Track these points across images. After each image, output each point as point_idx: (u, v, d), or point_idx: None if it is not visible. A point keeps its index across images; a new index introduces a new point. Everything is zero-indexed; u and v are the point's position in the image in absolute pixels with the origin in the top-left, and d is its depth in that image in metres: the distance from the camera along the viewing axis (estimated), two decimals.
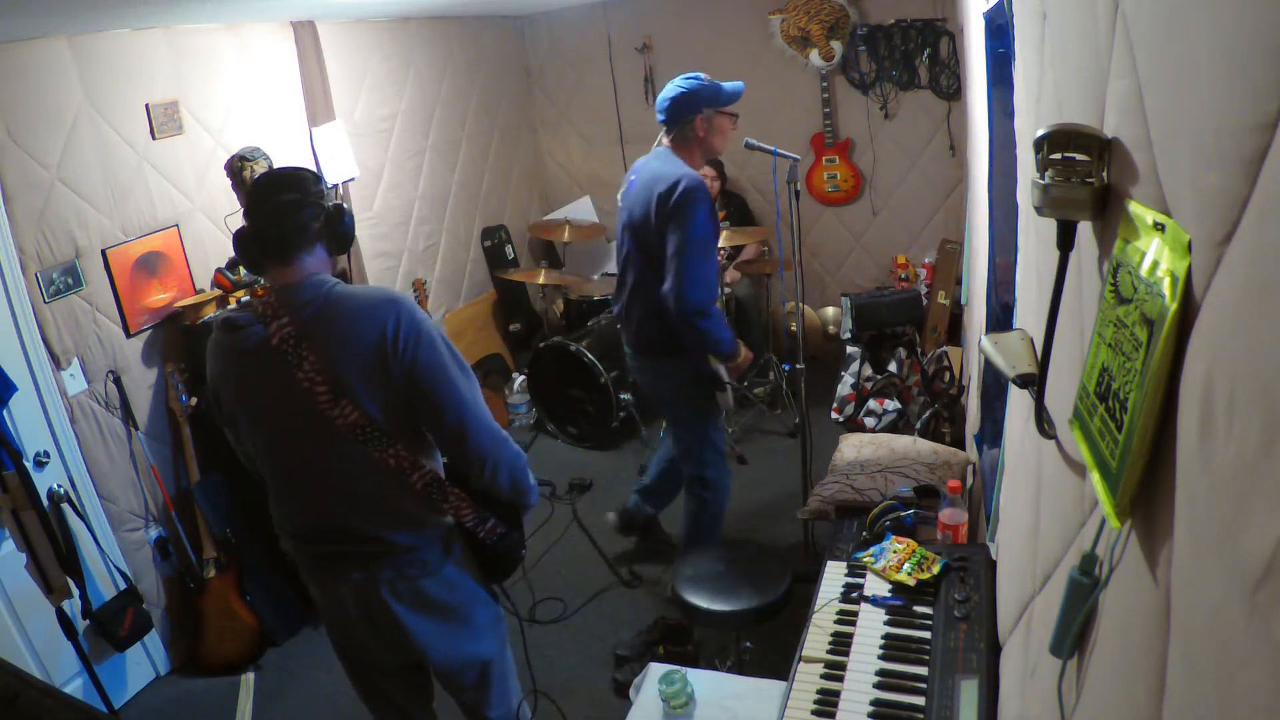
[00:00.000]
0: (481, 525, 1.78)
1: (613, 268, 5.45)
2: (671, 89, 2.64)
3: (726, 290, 4.19)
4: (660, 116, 2.68)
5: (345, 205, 1.72)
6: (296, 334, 1.59)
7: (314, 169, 1.75)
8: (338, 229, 1.69)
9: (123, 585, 2.89)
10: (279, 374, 1.60)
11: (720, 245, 4.07)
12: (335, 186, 4.08)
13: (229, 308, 1.71)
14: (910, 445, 2.85)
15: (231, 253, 3.44)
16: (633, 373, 2.95)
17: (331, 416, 1.60)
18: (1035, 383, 1.09)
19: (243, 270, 3.36)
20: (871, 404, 4.12)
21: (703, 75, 2.65)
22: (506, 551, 1.86)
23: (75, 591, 2.43)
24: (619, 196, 2.85)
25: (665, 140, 2.72)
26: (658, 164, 2.66)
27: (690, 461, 2.95)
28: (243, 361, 1.65)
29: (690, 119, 2.63)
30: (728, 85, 2.66)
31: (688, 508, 3.02)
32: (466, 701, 1.97)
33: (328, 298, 1.62)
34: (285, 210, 1.62)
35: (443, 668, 1.87)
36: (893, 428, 3.96)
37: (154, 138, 3.17)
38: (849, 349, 4.43)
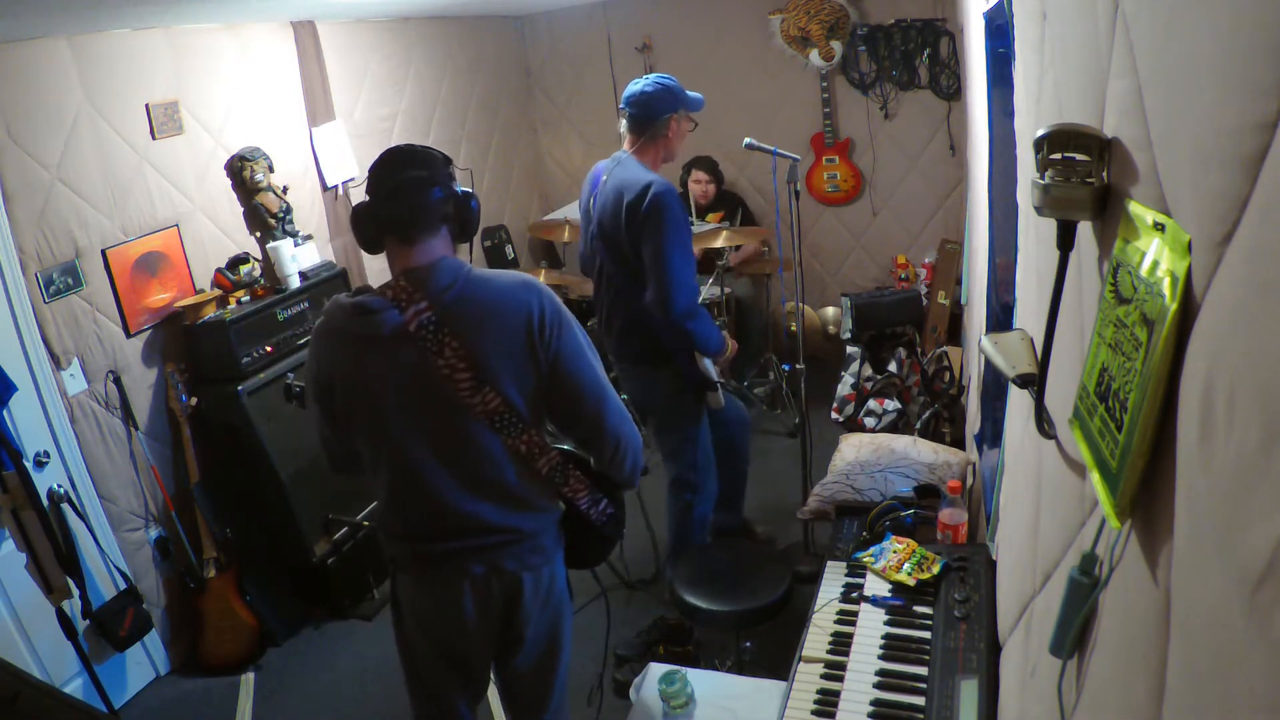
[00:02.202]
0: (595, 506, 1.79)
1: None
2: (645, 84, 2.60)
3: (727, 290, 4.18)
4: (631, 111, 2.62)
5: (474, 192, 1.67)
6: (437, 319, 1.54)
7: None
8: (465, 215, 1.63)
9: (123, 585, 2.89)
10: (416, 361, 1.55)
11: (720, 245, 4.07)
12: (334, 188, 4.08)
13: (353, 292, 1.65)
14: (910, 445, 2.85)
15: (231, 252, 3.45)
16: (619, 380, 2.91)
17: (471, 404, 1.57)
18: (1035, 383, 1.09)
19: (243, 270, 3.36)
20: (871, 404, 4.12)
21: (673, 78, 2.64)
22: (613, 533, 1.88)
23: (75, 591, 2.43)
24: (580, 205, 2.81)
25: (628, 143, 2.68)
26: (622, 172, 2.62)
27: (676, 464, 2.92)
28: (373, 348, 1.58)
29: (665, 117, 2.60)
30: (692, 93, 2.67)
31: (672, 510, 2.99)
32: (528, 697, 1.94)
33: (467, 281, 1.57)
34: (412, 187, 1.56)
35: (532, 659, 1.85)
36: (893, 428, 3.96)
37: (154, 138, 3.17)
38: (849, 349, 4.42)
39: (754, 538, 3.40)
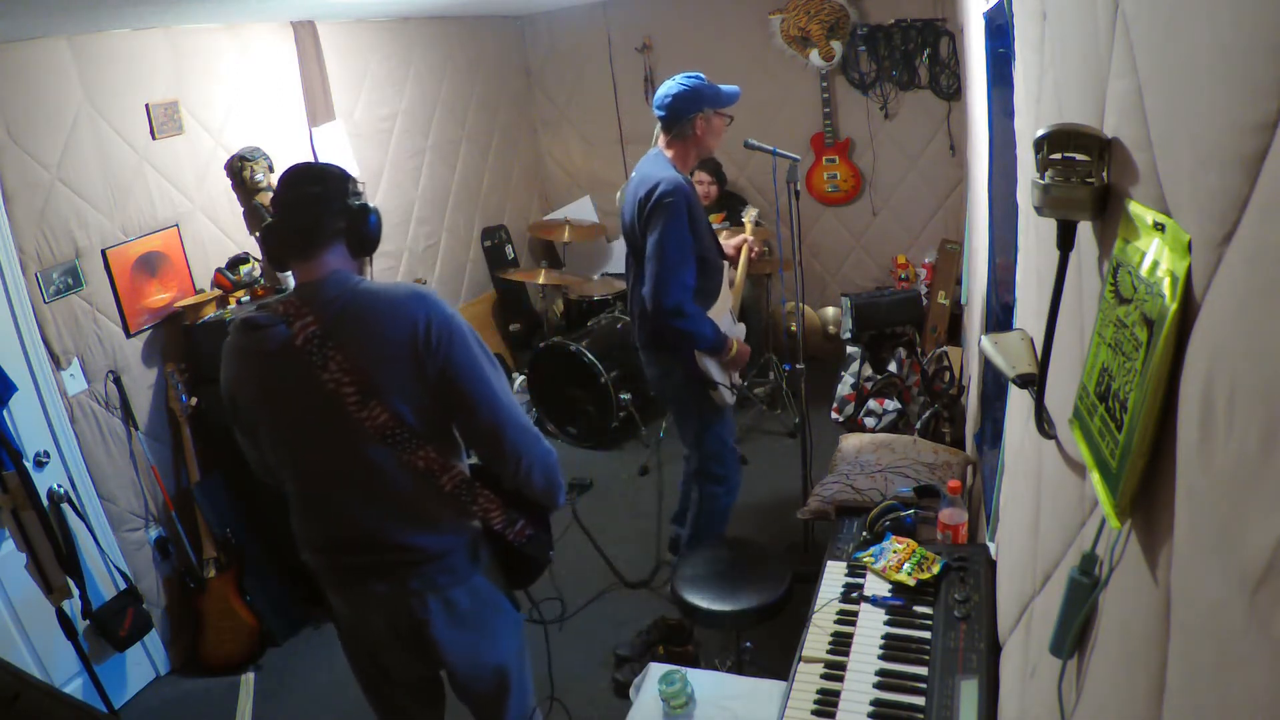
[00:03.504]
0: (510, 527, 1.72)
1: (612, 268, 5.47)
2: (672, 85, 2.65)
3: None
4: (659, 113, 2.68)
5: (373, 206, 1.67)
6: (322, 333, 1.54)
7: (345, 168, 1.69)
8: (361, 229, 1.63)
9: (123, 585, 2.89)
10: (303, 375, 1.54)
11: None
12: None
13: (248, 308, 1.65)
14: (910, 445, 2.85)
15: (231, 252, 3.45)
16: (643, 366, 2.97)
17: (360, 418, 1.54)
18: (1035, 383, 1.09)
19: (242, 270, 3.36)
20: (871, 404, 4.12)
21: (702, 75, 2.66)
22: (535, 554, 1.81)
23: (75, 591, 2.43)
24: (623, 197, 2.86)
25: (661, 140, 2.73)
26: (646, 166, 2.69)
27: (697, 453, 2.95)
28: (264, 363, 1.60)
29: (691, 117, 2.64)
30: (725, 88, 2.68)
31: (693, 501, 3.02)
32: (481, 711, 1.92)
33: (353, 295, 1.57)
34: (306, 203, 1.58)
35: (464, 678, 1.82)
36: (893, 428, 3.96)
37: (154, 138, 3.17)
38: (849, 349, 4.43)
39: None
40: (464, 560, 1.72)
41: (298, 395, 1.57)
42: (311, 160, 3.92)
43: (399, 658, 1.80)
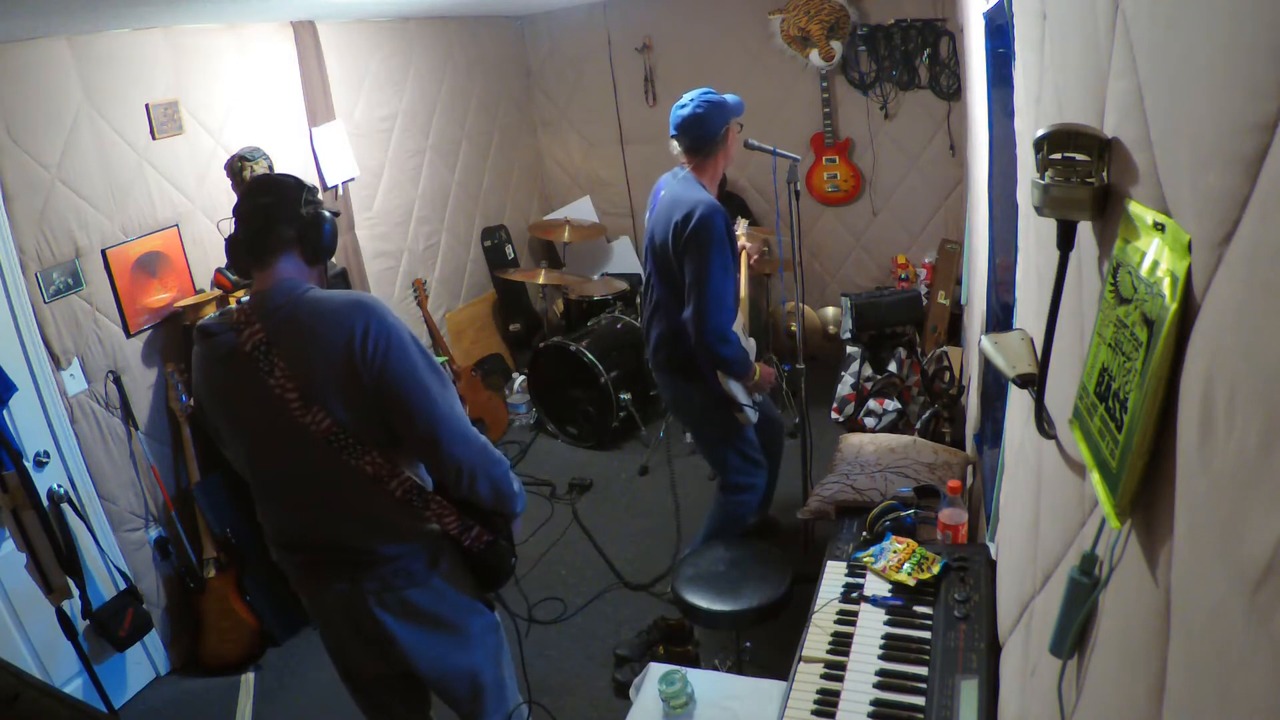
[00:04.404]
0: (466, 533, 1.74)
1: (612, 267, 5.46)
2: (693, 107, 2.59)
3: None
4: (686, 138, 2.62)
5: (327, 214, 1.70)
6: (268, 340, 1.58)
7: (302, 178, 1.72)
8: (312, 237, 1.66)
9: (123, 585, 2.89)
10: (252, 381, 1.59)
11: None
12: (334, 188, 4.08)
13: (208, 316, 1.70)
14: (910, 445, 2.85)
15: None
16: (657, 384, 3.00)
17: (304, 423, 1.58)
18: (1035, 383, 1.09)
19: None
20: (871, 404, 4.12)
21: (711, 89, 2.65)
22: (495, 560, 1.83)
23: (75, 591, 2.43)
24: (647, 213, 2.84)
25: (686, 160, 2.68)
26: (679, 188, 2.64)
27: (723, 471, 2.98)
28: (217, 369, 1.65)
29: (721, 132, 2.62)
30: (729, 96, 2.68)
31: (714, 509, 3.06)
32: (464, 713, 1.95)
33: (297, 303, 1.60)
34: (258, 213, 1.62)
35: (432, 678, 1.85)
36: (893, 428, 3.96)
37: (154, 138, 3.17)
38: (849, 349, 4.42)
39: (778, 532, 3.45)
40: (420, 564, 1.74)
41: (249, 400, 1.62)
42: (312, 161, 3.92)
43: (363, 656, 1.83)
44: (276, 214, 1.63)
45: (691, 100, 2.62)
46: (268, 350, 1.57)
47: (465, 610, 1.84)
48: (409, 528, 1.72)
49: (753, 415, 2.85)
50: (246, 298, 1.69)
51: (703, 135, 2.61)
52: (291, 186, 1.67)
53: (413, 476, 1.69)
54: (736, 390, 2.75)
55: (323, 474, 1.64)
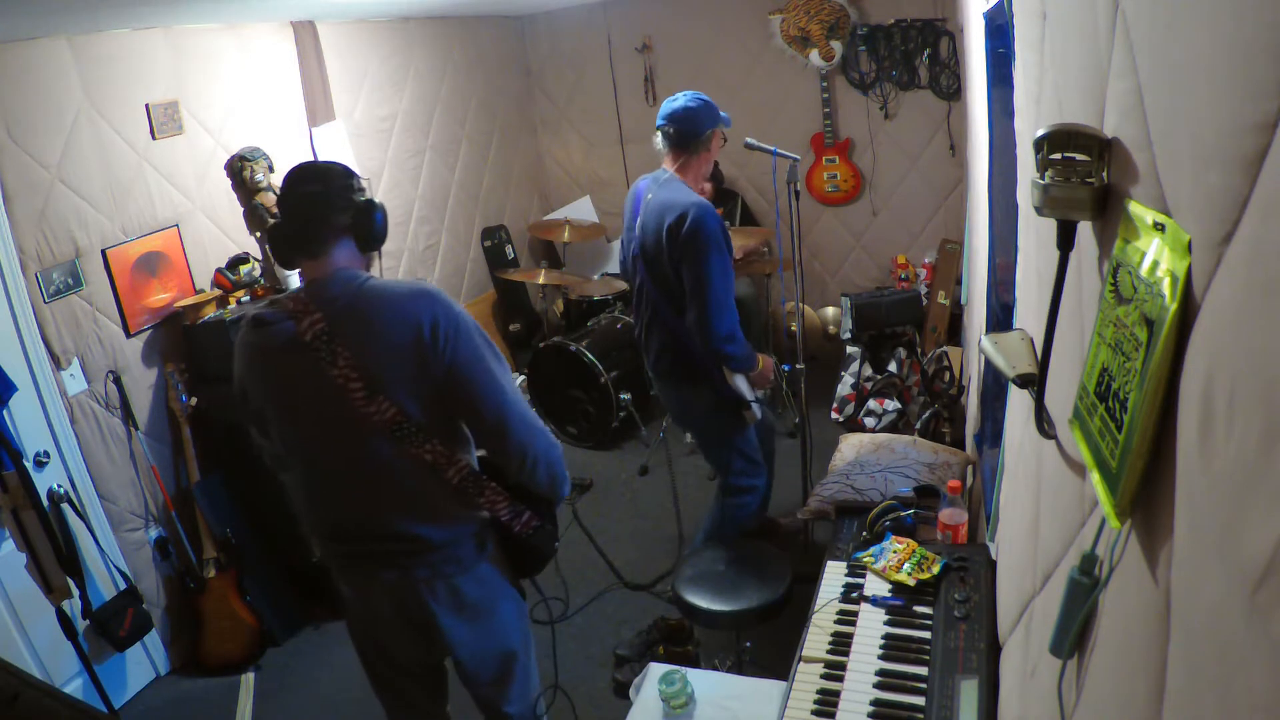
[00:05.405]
0: (517, 519, 1.76)
1: (612, 267, 5.45)
2: (686, 101, 2.61)
3: None
4: (674, 129, 2.62)
5: (378, 202, 1.68)
6: (329, 330, 1.56)
7: (348, 165, 1.71)
8: (366, 224, 1.65)
9: (123, 585, 2.89)
10: (311, 371, 1.57)
11: None
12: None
13: (258, 304, 1.68)
14: (910, 445, 2.85)
15: (231, 252, 3.44)
16: (658, 393, 2.98)
17: (367, 413, 1.57)
18: (1035, 383, 1.09)
19: (243, 270, 3.36)
20: (871, 404, 4.12)
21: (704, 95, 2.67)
22: (541, 544, 1.84)
23: (75, 591, 2.43)
24: (625, 219, 2.83)
25: (669, 161, 2.68)
26: (666, 193, 2.61)
27: (725, 474, 2.98)
28: (272, 358, 1.63)
29: (709, 132, 2.63)
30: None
31: (716, 508, 3.06)
32: (485, 696, 1.94)
33: (359, 291, 1.59)
34: (307, 203, 1.60)
35: (469, 664, 1.85)
36: (893, 428, 3.96)
37: (154, 138, 3.17)
38: (849, 349, 4.43)
39: (778, 533, 3.44)
40: (470, 550, 1.75)
41: (306, 390, 1.60)
42: (313, 159, 3.92)
43: (406, 645, 1.83)
44: (328, 202, 1.60)
45: (685, 95, 2.64)
46: (330, 340, 1.56)
47: (504, 595, 1.86)
48: (461, 514, 1.73)
49: (759, 411, 2.84)
50: (299, 287, 1.67)
51: (691, 130, 2.61)
52: (340, 174, 1.65)
53: (469, 463, 1.70)
54: (743, 386, 2.74)
55: (379, 463, 1.63)
